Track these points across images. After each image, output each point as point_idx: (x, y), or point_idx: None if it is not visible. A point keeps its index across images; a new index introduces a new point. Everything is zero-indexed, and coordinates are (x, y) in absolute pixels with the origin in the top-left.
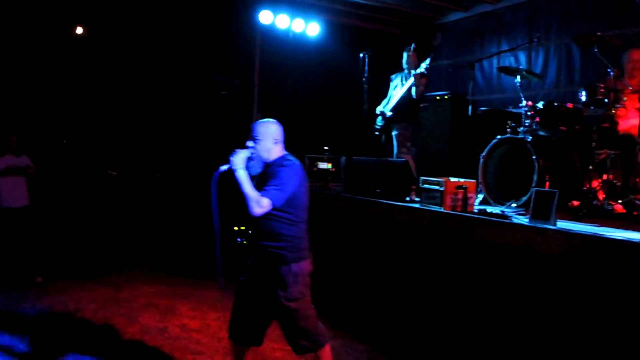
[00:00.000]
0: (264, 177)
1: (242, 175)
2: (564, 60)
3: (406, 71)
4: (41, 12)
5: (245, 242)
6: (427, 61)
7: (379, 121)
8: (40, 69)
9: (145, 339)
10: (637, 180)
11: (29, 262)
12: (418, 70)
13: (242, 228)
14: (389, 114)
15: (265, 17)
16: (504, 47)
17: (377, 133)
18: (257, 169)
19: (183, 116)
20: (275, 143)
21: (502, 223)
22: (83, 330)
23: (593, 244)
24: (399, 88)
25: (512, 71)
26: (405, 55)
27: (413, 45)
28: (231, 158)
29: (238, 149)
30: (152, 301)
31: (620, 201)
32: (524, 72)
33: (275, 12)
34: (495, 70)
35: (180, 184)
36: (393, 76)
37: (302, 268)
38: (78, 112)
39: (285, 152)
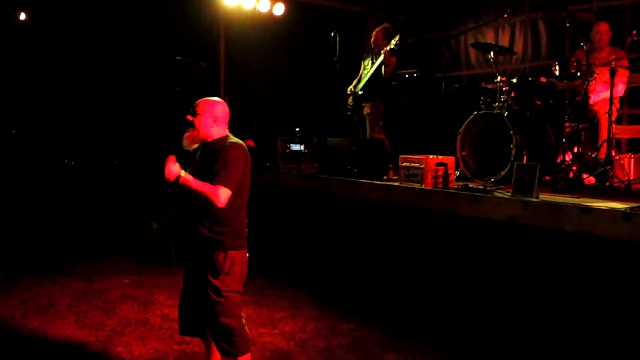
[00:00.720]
0: (204, 159)
1: (187, 179)
2: (531, 35)
3: (376, 50)
4: None
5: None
6: (397, 38)
7: (350, 101)
8: None
9: (127, 331)
10: (608, 151)
11: None
12: (387, 48)
13: None
14: (359, 92)
15: None
16: (471, 23)
17: (349, 113)
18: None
19: (144, 101)
20: (215, 122)
21: (485, 198)
22: (61, 326)
23: (578, 215)
24: (369, 67)
25: (485, 47)
26: (373, 38)
27: (382, 24)
28: (166, 172)
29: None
30: (127, 292)
31: (593, 173)
32: (497, 48)
33: None
34: (463, 47)
35: (140, 171)
36: (364, 56)
37: (240, 257)
38: (30, 101)
39: (228, 134)
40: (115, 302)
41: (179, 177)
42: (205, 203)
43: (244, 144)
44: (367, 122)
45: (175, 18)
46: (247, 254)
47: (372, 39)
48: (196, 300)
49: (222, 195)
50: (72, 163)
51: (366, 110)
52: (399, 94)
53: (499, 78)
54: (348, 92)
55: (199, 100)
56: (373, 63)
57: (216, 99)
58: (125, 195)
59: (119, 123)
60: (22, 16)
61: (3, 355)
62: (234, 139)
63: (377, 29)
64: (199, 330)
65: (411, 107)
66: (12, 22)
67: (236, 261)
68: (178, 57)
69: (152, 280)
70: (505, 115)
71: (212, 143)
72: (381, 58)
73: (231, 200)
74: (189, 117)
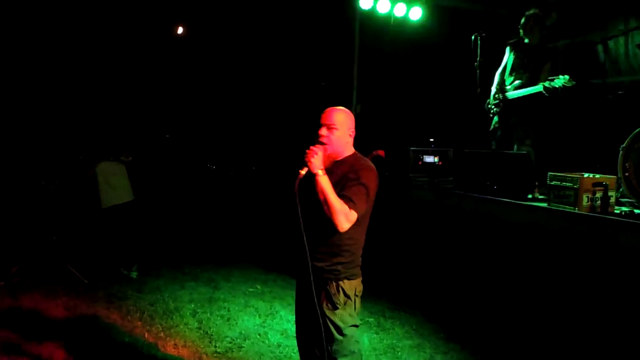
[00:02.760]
0: (335, 178)
1: (325, 183)
2: None
3: (526, 43)
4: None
5: None
6: (565, 79)
7: (492, 101)
8: (141, 69)
9: (245, 345)
10: None
11: (127, 257)
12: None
13: None
14: (510, 97)
15: (365, 2)
16: (634, 22)
17: (491, 114)
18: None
19: (281, 112)
20: (351, 136)
21: None
22: (182, 333)
23: None
24: (519, 66)
25: None
26: (523, 21)
27: (532, 11)
28: (310, 159)
29: (312, 145)
30: (250, 302)
31: None
32: None
33: None
34: (624, 50)
35: (274, 176)
36: (512, 42)
37: (354, 287)
38: (184, 109)
39: (354, 150)
40: (238, 312)
41: (316, 172)
42: (322, 223)
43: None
44: (516, 133)
45: (311, 27)
46: (362, 285)
47: (524, 28)
48: (312, 333)
49: (349, 220)
50: (214, 167)
51: (515, 119)
52: (548, 103)
53: None
54: (493, 91)
55: (332, 111)
56: (523, 63)
57: (346, 109)
58: (259, 199)
59: (260, 135)
60: (180, 30)
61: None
62: (364, 158)
63: (529, 16)
64: None
65: (564, 118)
66: (170, 35)
67: (351, 293)
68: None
69: (276, 291)
70: None
71: (344, 161)
72: (541, 88)
73: (353, 225)
74: (323, 133)
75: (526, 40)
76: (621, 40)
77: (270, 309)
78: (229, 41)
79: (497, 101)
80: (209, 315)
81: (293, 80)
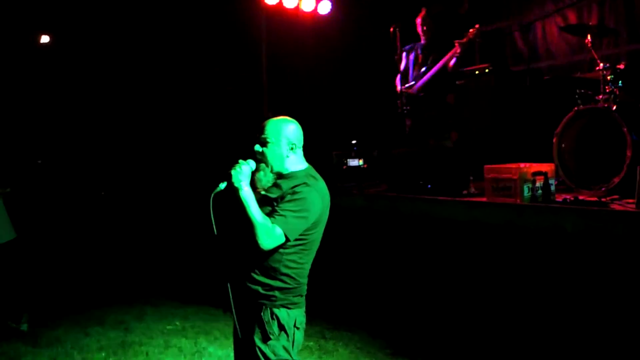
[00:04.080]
0: (274, 195)
1: (247, 195)
2: (625, 12)
3: (423, 41)
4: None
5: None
6: (477, 27)
7: (402, 103)
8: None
9: None
10: None
11: (13, 307)
12: (464, 40)
13: None
14: (419, 94)
15: None
16: (550, 6)
17: (405, 117)
18: (264, 181)
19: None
20: (292, 149)
21: (603, 212)
22: None
23: None
24: (422, 62)
25: (582, 29)
26: (419, 21)
27: (425, 10)
28: (232, 172)
29: (240, 158)
30: (171, 342)
31: None
32: (595, 30)
33: None
34: (541, 35)
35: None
36: (407, 47)
37: (293, 317)
38: (57, 129)
39: (307, 164)
40: (158, 355)
41: (240, 188)
42: (265, 252)
43: (324, 184)
44: (432, 128)
45: (214, 23)
46: (304, 316)
47: (421, 27)
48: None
49: (272, 237)
50: (103, 193)
51: (430, 114)
52: (469, 94)
53: (600, 65)
54: (399, 90)
55: (266, 123)
56: (425, 57)
57: (288, 118)
58: (162, 225)
59: (158, 151)
60: (44, 39)
61: None
62: (314, 174)
63: (422, 14)
64: None
65: (488, 108)
66: (34, 44)
67: (288, 323)
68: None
69: (199, 325)
70: (615, 109)
71: (288, 175)
72: (452, 52)
73: (295, 247)
74: (255, 148)
75: (422, 39)
76: (538, 25)
77: (196, 346)
78: (108, 45)
79: (404, 102)
80: None
81: (195, 86)
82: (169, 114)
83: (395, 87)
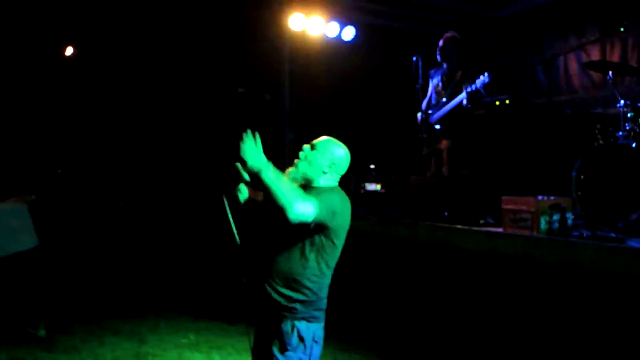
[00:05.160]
0: None
1: (271, 172)
2: None
3: (445, 67)
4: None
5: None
6: (484, 77)
7: (423, 129)
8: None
9: None
10: None
11: (32, 312)
12: (474, 87)
13: None
14: (436, 126)
15: (295, 22)
16: (572, 42)
17: (424, 144)
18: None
19: (201, 137)
20: (331, 167)
21: (620, 249)
22: None
23: None
24: (442, 92)
25: (603, 66)
26: (441, 44)
27: (449, 33)
28: (247, 154)
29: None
30: (185, 356)
31: None
32: (617, 67)
33: (306, 16)
34: (563, 69)
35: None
36: (432, 71)
37: (312, 331)
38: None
39: (337, 186)
40: None
41: (261, 168)
42: (289, 261)
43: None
44: (444, 158)
45: (237, 47)
46: (323, 331)
47: (440, 52)
48: None
49: (303, 203)
50: (121, 204)
51: (445, 144)
52: (487, 124)
53: (622, 102)
54: (419, 119)
55: (322, 139)
56: (444, 85)
57: (341, 144)
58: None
59: (175, 163)
60: (69, 51)
61: None
62: (343, 192)
63: (444, 38)
64: None
65: (505, 140)
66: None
67: (307, 337)
68: (241, 89)
69: (212, 340)
70: (635, 146)
71: (316, 187)
72: (464, 94)
73: (316, 260)
74: (303, 147)
75: (444, 65)
76: (560, 58)
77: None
78: (130, 56)
79: (423, 129)
80: None
81: (219, 105)
82: (188, 131)
83: (415, 117)
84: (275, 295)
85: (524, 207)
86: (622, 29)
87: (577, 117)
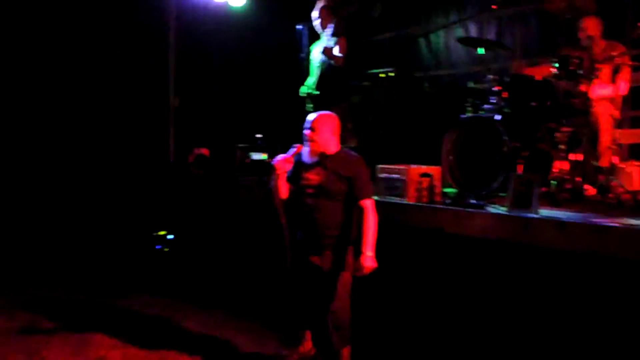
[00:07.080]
0: (332, 169)
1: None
2: (521, 30)
3: (322, 37)
4: None
5: (165, 249)
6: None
7: (309, 106)
8: None
9: None
10: (610, 159)
11: None
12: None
13: (162, 233)
14: (315, 93)
15: None
16: (454, 17)
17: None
18: (307, 158)
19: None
20: (333, 134)
21: (478, 214)
22: None
23: (587, 233)
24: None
25: (475, 42)
26: (316, 14)
27: (322, 2)
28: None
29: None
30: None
31: (594, 184)
32: (488, 44)
33: None
34: (444, 44)
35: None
36: (312, 46)
37: (350, 254)
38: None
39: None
40: (43, 344)
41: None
42: (331, 209)
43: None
44: None
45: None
46: None
47: (317, 21)
48: (317, 297)
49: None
50: None
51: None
52: (373, 95)
53: (490, 77)
54: (302, 93)
55: (314, 115)
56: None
57: (329, 112)
58: None
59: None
60: None
61: None
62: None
63: (319, 6)
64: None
65: (388, 110)
66: None
67: (350, 256)
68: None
69: (90, 317)
70: (498, 119)
71: (334, 155)
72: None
73: (345, 205)
74: (307, 133)
75: (322, 36)
76: (442, 34)
77: (83, 336)
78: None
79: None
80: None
81: (96, 69)
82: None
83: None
84: (325, 239)
85: (396, 175)
86: (493, 7)
87: (451, 90)
